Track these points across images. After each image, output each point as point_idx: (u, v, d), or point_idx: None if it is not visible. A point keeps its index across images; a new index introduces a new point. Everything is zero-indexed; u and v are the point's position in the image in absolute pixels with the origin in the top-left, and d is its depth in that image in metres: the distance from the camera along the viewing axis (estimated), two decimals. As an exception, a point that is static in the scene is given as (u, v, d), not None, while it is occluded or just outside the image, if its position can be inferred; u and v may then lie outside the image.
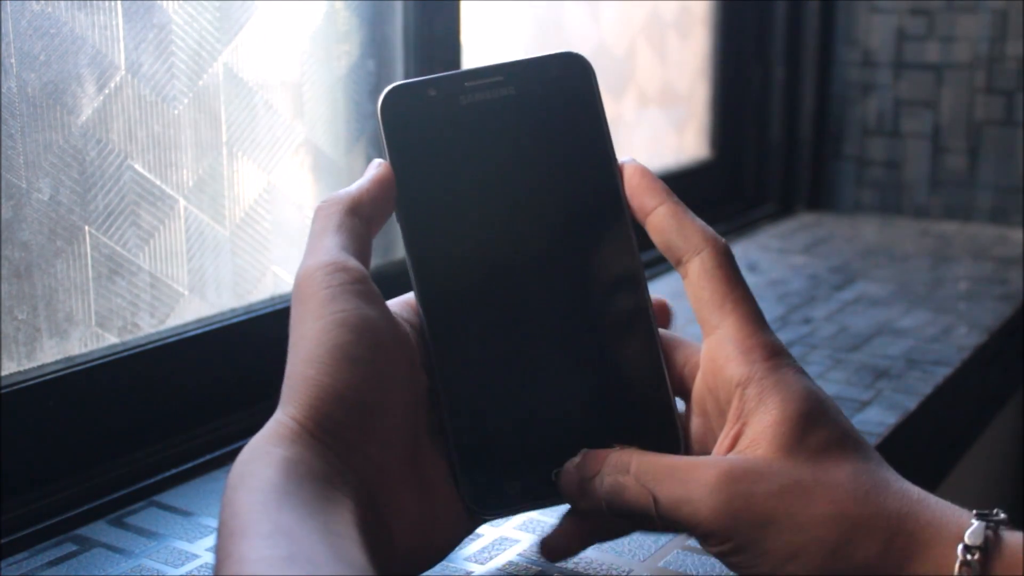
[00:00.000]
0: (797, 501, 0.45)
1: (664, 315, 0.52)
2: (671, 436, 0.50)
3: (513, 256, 0.50)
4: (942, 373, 0.80)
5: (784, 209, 1.34)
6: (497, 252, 0.50)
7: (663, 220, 0.50)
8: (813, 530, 0.44)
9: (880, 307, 0.95)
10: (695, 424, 0.51)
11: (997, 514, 0.44)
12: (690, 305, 0.50)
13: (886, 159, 1.32)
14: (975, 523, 0.44)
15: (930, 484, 0.84)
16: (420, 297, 0.49)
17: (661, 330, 0.52)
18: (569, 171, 0.51)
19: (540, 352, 0.50)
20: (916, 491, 0.46)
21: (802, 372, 0.48)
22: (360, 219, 0.48)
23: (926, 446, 0.79)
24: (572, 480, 0.48)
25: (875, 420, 0.71)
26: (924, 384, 0.78)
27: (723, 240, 0.50)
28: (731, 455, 0.47)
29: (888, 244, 1.19)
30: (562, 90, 0.51)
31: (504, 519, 0.56)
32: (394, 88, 0.50)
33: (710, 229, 0.50)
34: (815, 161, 1.34)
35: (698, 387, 0.50)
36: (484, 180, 0.50)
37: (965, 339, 0.87)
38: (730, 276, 0.49)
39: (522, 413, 0.49)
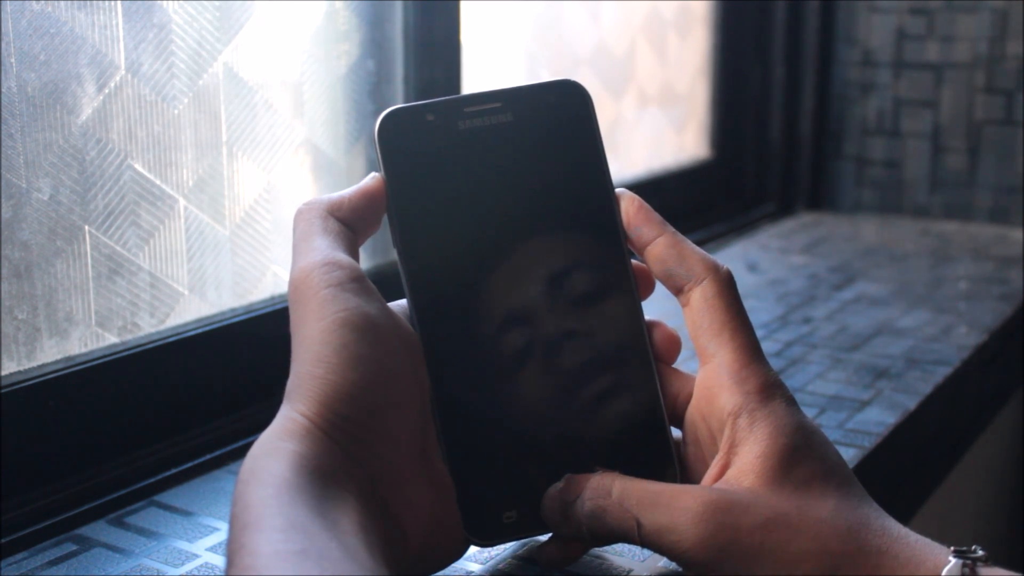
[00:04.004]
0: (782, 536, 0.45)
1: (673, 348, 0.52)
2: (667, 465, 0.50)
3: (509, 282, 0.50)
4: (942, 373, 0.80)
5: (784, 209, 1.34)
6: (493, 278, 0.50)
7: (663, 250, 0.50)
8: (796, 566, 0.45)
9: (880, 307, 0.95)
10: (689, 452, 0.51)
11: (975, 551, 0.45)
12: (688, 333, 0.50)
13: (886, 159, 1.32)
14: (952, 560, 0.45)
15: (930, 484, 0.85)
16: (417, 319, 0.49)
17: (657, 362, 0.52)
18: (565, 198, 0.51)
19: (535, 381, 0.50)
20: (896, 528, 0.46)
21: (794, 404, 0.49)
22: (341, 223, 0.48)
23: (926, 446, 0.79)
24: (554, 505, 0.49)
25: (875, 420, 0.71)
26: (924, 384, 0.78)
27: (725, 268, 0.50)
28: (718, 485, 0.47)
29: (888, 244, 1.19)
30: (560, 117, 0.52)
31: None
32: (392, 112, 0.50)
33: (711, 257, 0.50)
34: (815, 161, 1.34)
35: (691, 414, 0.51)
36: (481, 204, 0.50)
37: (965, 339, 0.87)
38: (730, 305, 0.49)
39: (517, 442, 0.49)
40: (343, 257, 0.46)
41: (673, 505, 0.46)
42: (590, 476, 0.48)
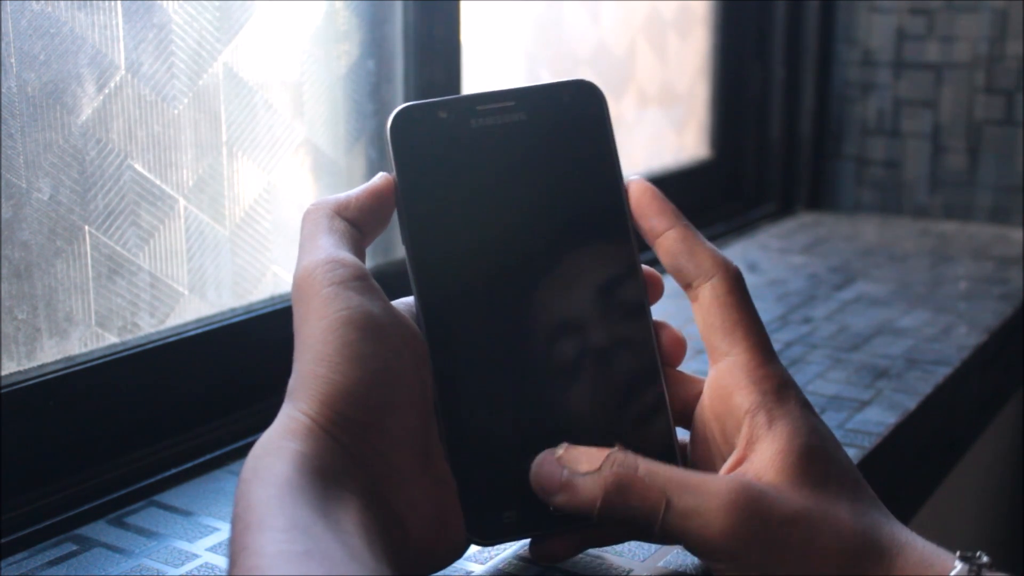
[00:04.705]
0: (807, 532, 0.45)
1: (679, 350, 0.51)
2: (671, 463, 0.50)
3: (518, 282, 0.50)
4: (942, 373, 0.80)
5: (784, 209, 1.34)
6: (502, 277, 0.50)
7: (674, 244, 0.50)
8: (817, 562, 0.45)
9: (880, 307, 0.95)
10: (698, 451, 0.51)
11: (980, 557, 0.45)
12: (697, 328, 0.50)
13: (886, 159, 1.32)
14: (959, 565, 0.45)
15: (930, 484, 0.84)
16: (423, 317, 0.49)
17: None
18: (577, 197, 0.51)
19: (541, 379, 0.50)
20: (904, 532, 0.46)
21: (808, 406, 0.49)
22: (348, 223, 0.48)
23: (926, 446, 0.79)
24: (552, 472, 0.47)
25: (875, 420, 0.71)
26: (924, 384, 0.78)
27: (734, 266, 0.50)
28: (740, 476, 0.47)
29: (888, 244, 1.19)
30: (572, 116, 0.51)
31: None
32: (404, 109, 0.50)
33: (721, 254, 0.50)
34: (815, 161, 1.34)
35: (703, 413, 0.50)
36: (492, 203, 0.50)
37: (965, 339, 0.87)
38: (741, 303, 0.49)
39: (519, 442, 0.49)
40: (347, 256, 0.46)
41: (702, 489, 0.45)
42: (602, 449, 0.47)
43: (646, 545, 0.55)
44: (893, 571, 0.45)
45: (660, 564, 0.53)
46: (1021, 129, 1.24)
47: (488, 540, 0.49)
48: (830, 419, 0.71)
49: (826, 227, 1.27)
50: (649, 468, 0.46)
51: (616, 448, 0.47)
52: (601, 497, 0.46)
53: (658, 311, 0.52)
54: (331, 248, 0.46)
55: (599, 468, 0.46)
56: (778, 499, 0.45)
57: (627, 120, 1.17)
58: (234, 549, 0.38)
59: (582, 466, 0.46)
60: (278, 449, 0.42)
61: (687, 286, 0.50)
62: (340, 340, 0.44)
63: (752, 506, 0.45)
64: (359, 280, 0.45)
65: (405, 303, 0.50)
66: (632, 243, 0.51)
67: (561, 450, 0.48)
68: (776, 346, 0.84)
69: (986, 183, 1.27)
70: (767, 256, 1.14)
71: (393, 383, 0.45)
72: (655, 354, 0.51)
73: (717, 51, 1.29)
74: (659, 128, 1.23)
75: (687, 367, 0.52)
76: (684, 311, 0.53)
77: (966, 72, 1.26)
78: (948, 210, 1.29)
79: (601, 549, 0.54)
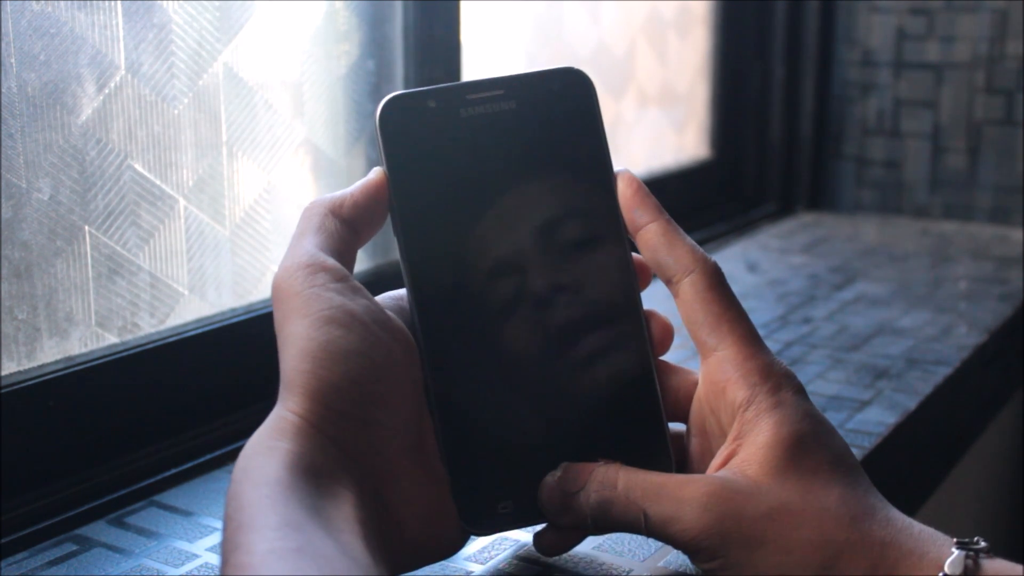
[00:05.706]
0: (784, 524, 0.45)
1: (667, 338, 0.52)
2: (662, 454, 0.50)
3: (509, 271, 0.50)
4: (942, 373, 0.80)
5: (784, 209, 1.34)
6: (493, 266, 0.50)
7: (653, 238, 0.50)
8: (800, 553, 0.45)
9: (880, 307, 0.95)
10: (694, 445, 0.51)
11: (977, 543, 0.45)
12: (683, 324, 0.51)
13: (886, 159, 1.32)
14: (955, 552, 0.45)
15: (930, 484, 0.84)
16: (415, 307, 0.49)
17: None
18: (567, 186, 0.51)
19: (533, 371, 0.50)
20: (900, 519, 0.47)
21: (801, 393, 0.49)
22: (341, 222, 0.48)
23: (926, 446, 0.79)
24: (553, 495, 0.49)
25: (875, 420, 0.71)
26: (924, 384, 0.78)
27: (713, 260, 0.50)
28: (721, 473, 0.47)
29: (888, 244, 1.19)
30: (562, 105, 0.51)
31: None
32: (393, 98, 0.50)
33: (700, 249, 0.50)
34: (815, 161, 1.34)
35: (697, 408, 0.51)
36: (482, 192, 0.50)
37: (965, 339, 0.87)
38: (723, 297, 0.50)
39: (514, 432, 0.49)
40: (327, 259, 0.46)
41: (677, 496, 0.46)
42: (591, 466, 0.48)
43: (646, 545, 0.55)
44: (885, 560, 0.45)
45: (660, 564, 0.53)
46: (1021, 129, 1.24)
47: (483, 531, 0.49)
48: (830, 419, 0.71)
49: (826, 227, 1.27)
50: (627, 481, 0.47)
51: (600, 464, 0.48)
52: (589, 515, 0.48)
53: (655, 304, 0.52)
54: (312, 249, 0.46)
55: (584, 488, 0.48)
56: (754, 495, 0.46)
57: (627, 120, 1.17)
58: (226, 548, 0.38)
59: (573, 487, 0.48)
60: (268, 449, 0.42)
61: (668, 281, 0.51)
62: (324, 337, 0.44)
63: (724, 506, 0.45)
64: (339, 282, 0.45)
65: (396, 295, 0.50)
66: (622, 230, 0.51)
67: (560, 471, 0.49)
68: (776, 346, 0.85)
69: (986, 183, 1.27)
70: (767, 256, 1.14)
71: (382, 377, 0.45)
72: (646, 343, 0.51)
73: (717, 51, 1.29)
74: (659, 128, 1.23)
75: (690, 367, 0.52)
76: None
77: (966, 72, 1.26)
78: (948, 210, 1.29)
79: (601, 549, 0.54)
